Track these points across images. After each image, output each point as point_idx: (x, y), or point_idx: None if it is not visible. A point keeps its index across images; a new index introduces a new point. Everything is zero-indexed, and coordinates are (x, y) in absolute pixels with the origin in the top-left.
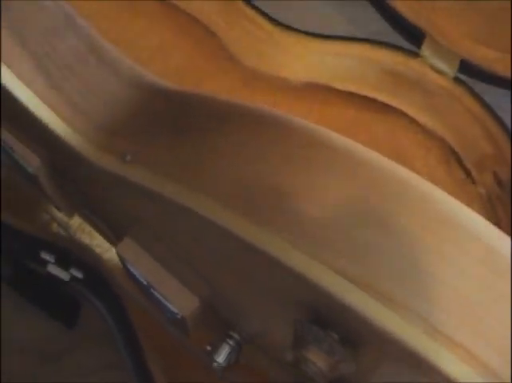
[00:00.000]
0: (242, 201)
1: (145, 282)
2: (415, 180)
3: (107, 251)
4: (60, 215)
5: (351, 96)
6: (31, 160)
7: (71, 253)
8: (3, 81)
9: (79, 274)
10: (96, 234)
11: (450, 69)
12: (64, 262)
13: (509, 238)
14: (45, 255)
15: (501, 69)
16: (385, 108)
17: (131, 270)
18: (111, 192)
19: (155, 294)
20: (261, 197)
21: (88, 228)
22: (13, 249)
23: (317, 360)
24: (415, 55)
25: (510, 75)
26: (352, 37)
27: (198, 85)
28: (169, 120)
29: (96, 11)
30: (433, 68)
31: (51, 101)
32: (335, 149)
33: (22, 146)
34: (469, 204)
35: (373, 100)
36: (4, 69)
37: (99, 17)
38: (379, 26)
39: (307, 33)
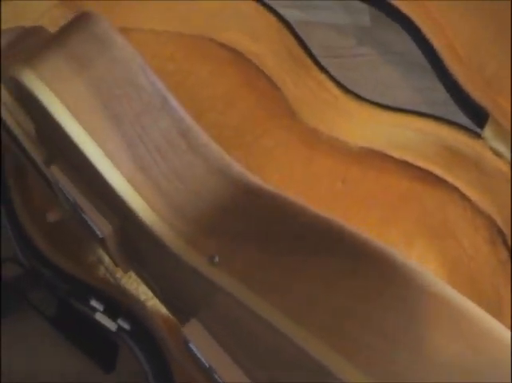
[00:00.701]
0: (334, 333)
1: (207, 365)
2: None
3: (151, 299)
4: (107, 260)
5: (406, 166)
6: (103, 227)
7: (121, 304)
8: (91, 158)
9: (126, 326)
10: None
11: (509, 152)
12: (112, 311)
13: None
14: (95, 303)
15: None
16: (438, 182)
17: (194, 349)
18: (186, 278)
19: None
20: (358, 334)
21: (134, 275)
22: (61, 289)
23: None
24: (477, 136)
25: None
26: (418, 112)
27: (257, 141)
28: (259, 223)
29: (162, 53)
30: (492, 149)
31: (137, 183)
32: (435, 296)
33: (96, 212)
34: (509, 284)
35: (427, 172)
36: (93, 145)
37: (165, 59)
38: (443, 97)
39: (373, 103)
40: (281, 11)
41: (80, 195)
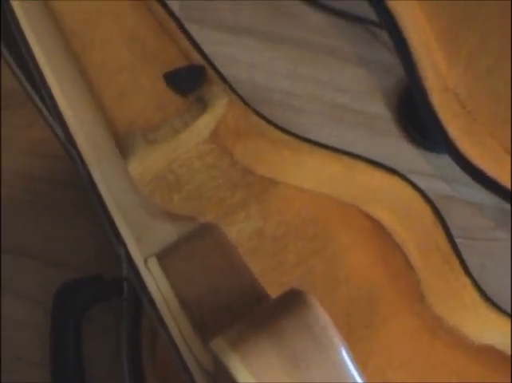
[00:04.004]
0: None
1: None
2: None
3: None
4: None
5: None
6: None
7: None
8: None
9: None
10: None
11: None
12: None
13: None
14: None
15: None
16: None
17: None
18: None
19: None
20: None
21: None
22: None
23: None
24: None
25: None
26: None
27: (384, 323)
28: None
29: (305, 213)
30: None
31: None
32: None
33: None
34: None
35: None
36: None
37: (306, 220)
38: None
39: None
40: (427, 182)
41: None
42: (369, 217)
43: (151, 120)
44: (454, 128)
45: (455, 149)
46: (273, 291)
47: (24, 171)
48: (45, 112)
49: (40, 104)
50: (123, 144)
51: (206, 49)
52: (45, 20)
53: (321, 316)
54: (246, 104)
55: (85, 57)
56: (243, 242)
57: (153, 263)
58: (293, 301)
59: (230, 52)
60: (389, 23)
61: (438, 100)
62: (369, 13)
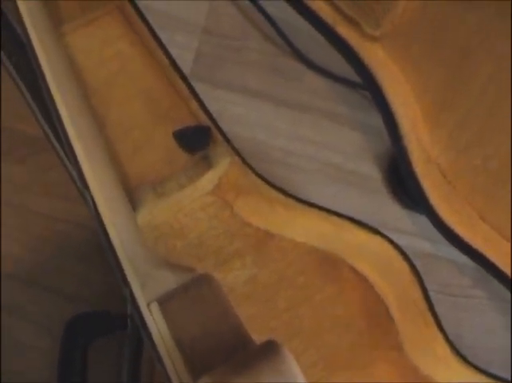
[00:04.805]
0: None
1: None
2: None
3: None
4: None
5: None
6: None
7: None
8: None
9: None
10: None
11: None
12: None
13: None
14: None
15: None
16: None
17: None
18: None
19: None
20: None
21: None
22: None
23: None
24: None
25: None
26: None
27: (365, 368)
28: None
29: (296, 265)
30: None
31: None
32: None
33: None
34: None
35: None
36: None
37: (297, 271)
38: None
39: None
40: (410, 240)
41: None
42: (355, 270)
43: (162, 173)
44: (435, 196)
45: (435, 215)
46: (263, 333)
47: (45, 212)
48: (65, 160)
49: (61, 153)
50: (133, 197)
51: (214, 107)
52: (69, 77)
53: (293, 366)
54: (247, 164)
55: (103, 112)
56: (238, 288)
57: (155, 308)
58: (270, 350)
59: (236, 111)
60: (378, 99)
61: (421, 170)
62: None
